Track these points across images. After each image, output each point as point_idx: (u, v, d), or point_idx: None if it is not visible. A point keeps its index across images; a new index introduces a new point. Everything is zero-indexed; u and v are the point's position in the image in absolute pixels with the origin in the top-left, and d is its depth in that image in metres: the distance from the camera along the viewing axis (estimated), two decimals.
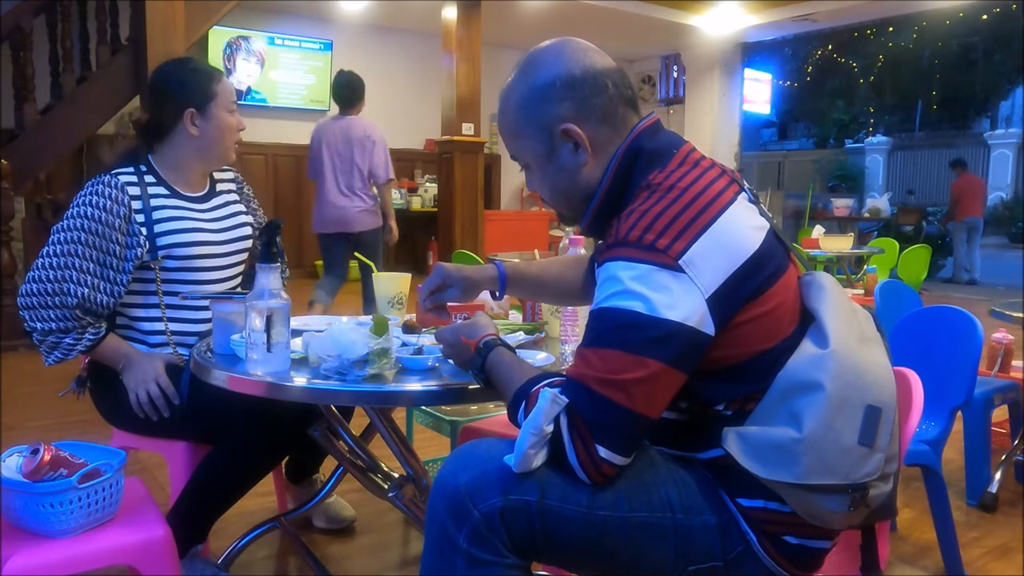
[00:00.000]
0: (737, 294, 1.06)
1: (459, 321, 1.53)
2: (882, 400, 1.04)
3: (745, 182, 1.20)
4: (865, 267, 5.94)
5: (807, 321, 1.13)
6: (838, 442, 1.02)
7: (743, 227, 1.09)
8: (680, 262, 1.03)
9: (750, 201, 1.16)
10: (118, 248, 1.76)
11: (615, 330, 1.03)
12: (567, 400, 1.04)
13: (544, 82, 1.17)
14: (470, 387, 1.31)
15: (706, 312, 1.03)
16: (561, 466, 1.07)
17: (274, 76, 8.59)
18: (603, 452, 1.04)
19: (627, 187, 1.18)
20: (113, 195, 1.77)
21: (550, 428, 1.04)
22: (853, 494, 1.02)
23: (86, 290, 1.73)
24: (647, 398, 1.03)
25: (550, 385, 1.09)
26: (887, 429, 1.04)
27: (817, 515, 1.06)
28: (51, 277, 1.72)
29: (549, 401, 1.04)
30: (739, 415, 1.11)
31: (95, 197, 1.76)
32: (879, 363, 1.09)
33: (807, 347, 1.08)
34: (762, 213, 1.17)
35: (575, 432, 1.04)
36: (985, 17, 14.01)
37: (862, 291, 5.52)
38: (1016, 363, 2.88)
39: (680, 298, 1.02)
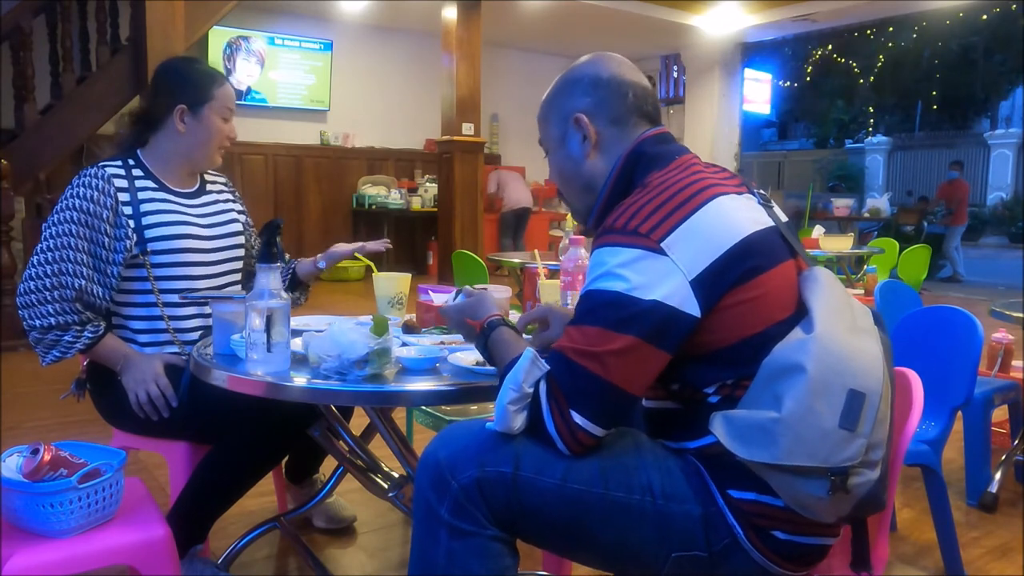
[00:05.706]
0: (723, 278, 1.09)
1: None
2: (866, 386, 1.05)
3: (758, 189, 1.25)
4: (865, 267, 5.93)
5: (802, 314, 1.14)
6: (818, 424, 1.02)
7: (731, 216, 1.13)
8: (662, 245, 1.09)
9: (759, 203, 1.21)
10: (107, 240, 1.76)
11: (596, 309, 1.10)
12: (547, 367, 1.10)
13: (575, 78, 1.32)
14: (470, 387, 1.32)
15: (689, 293, 1.08)
16: (539, 437, 1.12)
17: (274, 76, 8.59)
18: (578, 419, 1.08)
19: (630, 188, 1.24)
20: (100, 186, 1.77)
21: (530, 390, 1.11)
22: (833, 479, 1.02)
23: (83, 281, 1.72)
24: (622, 371, 1.08)
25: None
26: (871, 415, 1.04)
27: (801, 501, 1.06)
28: (48, 272, 1.71)
29: (530, 360, 1.12)
30: (728, 401, 1.13)
31: (81, 189, 1.76)
32: (867, 351, 1.09)
33: (795, 334, 1.10)
34: (771, 215, 1.20)
35: (552, 399, 1.09)
36: (985, 17, 13.99)
37: (862, 291, 5.52)
38: (1016, 363, 2.88)
39: (661, 279, 1.07)
